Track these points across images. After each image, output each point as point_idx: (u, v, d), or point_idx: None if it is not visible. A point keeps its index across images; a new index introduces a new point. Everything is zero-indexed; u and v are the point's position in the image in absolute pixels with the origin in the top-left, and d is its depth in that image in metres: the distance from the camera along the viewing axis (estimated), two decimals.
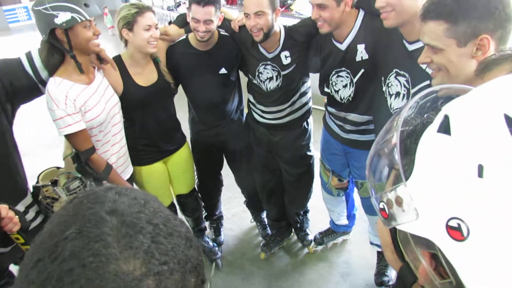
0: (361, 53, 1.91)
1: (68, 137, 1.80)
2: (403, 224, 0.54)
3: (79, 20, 1.67)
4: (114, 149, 2.03)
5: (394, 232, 0.59)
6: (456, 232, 0.47)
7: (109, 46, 8.26)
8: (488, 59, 0.90)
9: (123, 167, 2.12)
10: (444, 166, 0.49)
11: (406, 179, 0.53)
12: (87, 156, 1.86)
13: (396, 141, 0.56)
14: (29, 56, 1.74)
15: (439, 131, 0.52)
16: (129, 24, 1.97)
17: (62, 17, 1.65)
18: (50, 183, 1.79)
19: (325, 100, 2.27)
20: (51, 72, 1.76)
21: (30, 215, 1.74)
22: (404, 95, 1.68)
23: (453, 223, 0.47)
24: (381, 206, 0.58)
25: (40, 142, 4.59)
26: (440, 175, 0.49)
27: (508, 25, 1.12)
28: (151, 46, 2.01)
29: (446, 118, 0.52)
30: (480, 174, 0.46)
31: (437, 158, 0.50)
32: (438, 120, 0.53)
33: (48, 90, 1.72)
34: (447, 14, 1.17)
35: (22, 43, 11.87)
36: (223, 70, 2.28)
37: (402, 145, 0.56)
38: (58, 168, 1.92)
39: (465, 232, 0.46)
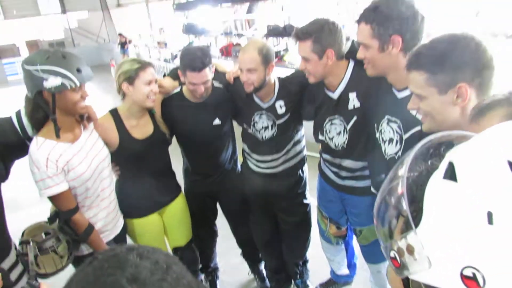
0: (353, 101, 1.96)
1: (50, 198, 1.77)
2: (416, 274, 0.53)
3: (69, 87, 1.64)
4: (103, 204, 1.98)
5: (406, 281, 0.59)
6: (472, 281, 0.47)
7: (108, 98, 8.38)
8: (482, 104, 0.92)
9: (114, 223, 2.07)
10: (453, 213, 0.50)
11: (416, 226, 0.53)
12: (68, 216, 1.81)
13: (403, 188, 0.57)
14: (18, 114, 1.73)
15: (445, 177, 0.53)
16: (130, 78, 2.00)
17: (51, 82, 1.61)
18: (30, 240, 1.73)
19: (320, 147, 2.29)
20: (36, 126, 1.74)
21: (15, 273, 1.65)
22: (397, 141, 1.70)
23: (468, 272, 0.47)
24: (392, 255, 0.58)
25: (31, 195, 4.53)
26: (450, 223, 0.50)
27: (486, 73, 1.16)
28: (150, 100, 2.04)
29: (451, 165, 0.53)
30: (490, 221, 0.46)
31: (446, 205, 0.51)
32: (443, 166, 0.54)
33: (30, 152, 1.69)
34: (426, 65, 1.23)
35: (20, 96, 12.02)
36: (217, 121, 2.31)
37: (409, 192, 0.56)
38: (47, 222, 1.88)
39: (481, 282, 0.46)
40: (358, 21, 1.62)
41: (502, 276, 0.44)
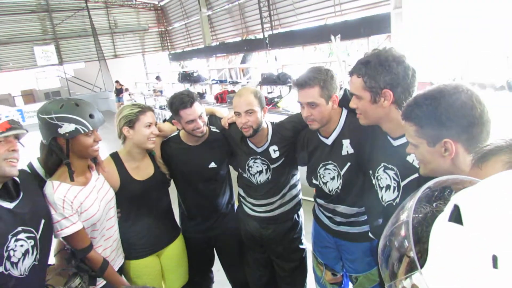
0: (347, 147, 2.00)
1: (65, 238, 1.81)
2: None
3: (82, 132, 1.74)
4: (107, 243, 2.01)
5: None
6: None
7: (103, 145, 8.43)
8: (484, 150, 0.94)
9: (113, 262, 2.08)
10: (459, 255, 0.51)
11: (421, 266, 0.54)
12: (84, 254, 1.85)
13: (409, 230, 0.58)
14: (31, 167, 1.82)
15: (450, 220, 0.54)
16: (131, 122, 2.09)
17: (66, 128, 1.71)
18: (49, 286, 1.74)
19: (314, 192, 2.31)
20: (49, 172, 1.82)
21: None
22: (394, 187, 1.71)
23: None
24: None
25: None
26: (455, 265, 0.51)
27: (474, 129, 1.19)
28: (150, 142, 2.12)
29: (456, 208, 0.55)
30: (495, 265, 0.47)
31: (452, 247, 0.52)
32: (448, 209, 0.56)
33: (46, 195, 1.74)
34: (414, 118, 1.28)
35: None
36: (212, 164, 2.35)
37: (414, 234, 0.58)
38: (49, 265, 1.87)
39: None
40: (351, 73, 1.68)
41: None
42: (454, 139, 1.20)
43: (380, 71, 1.56)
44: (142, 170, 2.19)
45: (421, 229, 0.57)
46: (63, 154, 1.78)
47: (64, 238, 1.82)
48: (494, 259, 0.47)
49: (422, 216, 0.60)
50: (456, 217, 0.53)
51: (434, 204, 0.61)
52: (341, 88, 2.09)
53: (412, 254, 0.55)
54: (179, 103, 2.17)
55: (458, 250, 0.51)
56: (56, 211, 1.74)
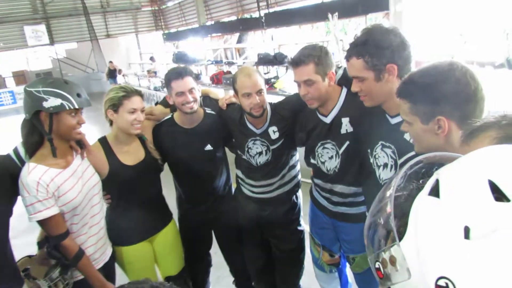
0: (346, 126, 2.00)
1: (40, 222, 1.78)
2: (397, 284, 0.57)
3: (67, 108, 1.73)
4: (92, 230, 1.99)
5: None
6: None
7: (94, 129, 8.37)
8: (473, 126, 0.96)
9: (102, 250, 2.07)
10: (433, 227, 0.53)
11: (400, 239, 0.56)
12: (58, 241, 1.82)
13: (390, 206, 0.60)
14: (15, 151, 1.81)
15: (430, 194, 0.56)
16: (114, 106, 2.05)
17: (51, 102, 1.70)
18: (29, 278, 1.73)
19: (312, 173, 2.31)
20: (29, 152, 1.79)
21: None
22: (391, 165, 1.73)
23: (442, 282, 0.50)
24: (376, 266, 0.61)
25: (16, 227, 4.45)
26: (429, 236, 0.53)
27: (468, 106, 1.20)
28: (134, 128, 2.08)
29: (437, 182, 0.57)
30: (467, 236, 0.49)
31: (427, 219, 0.54)
32: (429, 184, 0.58)
33: (21, 177, 1.72)
34: (409, 95, 1.29)
35: (6, 126, 11.98)
36: (208, 147, 2.34)
37: (398, 208, 0.60)
38: (30, 256, 1.86)
39: None
40: (348, 57, 1.67)
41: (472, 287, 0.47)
42: (448, 117, 1.21)
43: (381, 46, 1.55)
44: (132, 155, 2.17)
45: (406, 205, 0.59)
46: (45, 130, 1.75)
47: (39, 223, 1.79)
48: (466, 230, 0.49)
49: (407, 193, 0.62)
50: (435, 191, 0.55)
51: (421, 181, 0.63)
52: (339, 67, 2.08)
53: (392, 227, 0.58)
54: (172, 74, 2.19)
55: (433, 221, 0.53)
56: (29, 193, 1.71)
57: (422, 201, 0.56)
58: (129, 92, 2.07)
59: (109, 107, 2.06)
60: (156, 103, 2.48)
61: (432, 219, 0.53)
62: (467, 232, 0.49)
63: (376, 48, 1.57)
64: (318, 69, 1.90)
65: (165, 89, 8.64)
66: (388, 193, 0.63)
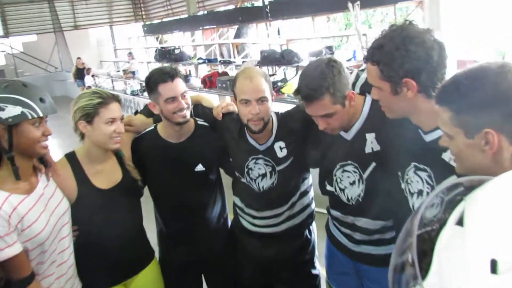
0: (371, 143, 1.99)
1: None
2: None
3: (30, 117, 1.72)
4: (60, 270, 1.97)
5: None
6: None
7: (53, 142, 8.38)
8: None
9: None
10: (457, 261, 0.55)
11: (424, 278, 0.59)
12: (22, 287, 1.78)
13: (413, 240, 0.63)
14: None
15: (456, 223, 0.59)
16: (88, 116, 2.04)
17: (10, 111, 1.68)
18: None
19: (328, 202, 2.30)
20: None
21: None
22: (427, 193, 1.72)
23: None
24: None
25: None
26: (453, 272, 0.55)
27: None
28: (113, 142, 2.08)
29: (463, 210, 0.59)
30: (494, 270, 0.51)
31: (451, 252, 0.57)
32: (457, 211, 0.60)
33: None
34: (449, 102, 1.28)
35: None
36: (200, 167, 2.34)
37: (427, 244, 0.62)
38: None
39: None
40: (365, 60, 1.70)
41: None
42: (497, 129, 1.20)
43: (397, 57, 1.57)
44: (107, 176, 2.16)
45: (433, 238, 0.62)
46: (3, 147, 1.73)
47: None
48: (493, 263, 0.51)
49: (440, 223, 0.64)
50: (461, 219, 0.59)
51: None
52: (362, 69, 2.08)
53: (415, 263, 0.60)
54: (158, 76, 2.19)
55: (457, 254, 0.56)
56: None
57: (447, 232, 0.59)
58: (106, 98, 2.06)
59: (81, 118, 2.05)
60: (136, 112, 2.49)
61: (456, 251, 0.56)
62: (494, 266, 0.51)
63: (391, 58, 1.58)
64: (335, 99, 1.89)
65: (145, 94, 8.66)
66: (415, 223, 0.65)
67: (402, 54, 1.56)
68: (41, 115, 1.75)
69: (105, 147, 2.11)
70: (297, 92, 1.98)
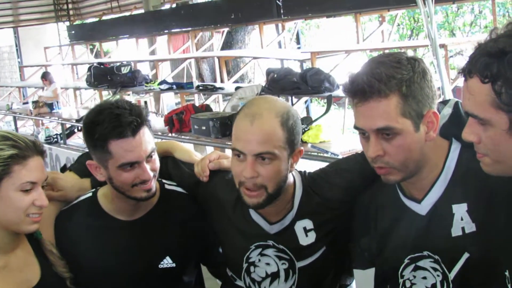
0: (461, 221, 2.02)
1: None
2: None
3: None
4: None
5: None
6: None
7: None
8: None
9: None
10: None
11: None
12: None
13: None
14: None
15: None
16: None
17: None
18: None
19: None
20: None
21: None
22: None
23: None
24: None
25: None
26: None
27: None
28: (29, 221, 2.11)
29: None
30: None
31: None
32: None
33: None
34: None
35: None
36: (167, 262, 2.38)
37: None
38: None
39: None
40: (466, 72, 1.67)
41: None
42: None
43: None
44: (14, 274, 2.18)
45: None
46: None
47: None
48: None
49: None
50: None
51: None
52: (444, 101, 2.13)
53: None
54: (109, 125, 2.15)
55: None
56: None
57: None
58: (23, 150, 2.09)
59: None
60: (64, 168, 2.51)
61: None
62: None
63: None
64: (407, 106, 1.92)
65: (71, 141, 8.84)
66: None
67: None
68: None
69: (15, 230, 2.14)
70: (346, 87, 1.97)
